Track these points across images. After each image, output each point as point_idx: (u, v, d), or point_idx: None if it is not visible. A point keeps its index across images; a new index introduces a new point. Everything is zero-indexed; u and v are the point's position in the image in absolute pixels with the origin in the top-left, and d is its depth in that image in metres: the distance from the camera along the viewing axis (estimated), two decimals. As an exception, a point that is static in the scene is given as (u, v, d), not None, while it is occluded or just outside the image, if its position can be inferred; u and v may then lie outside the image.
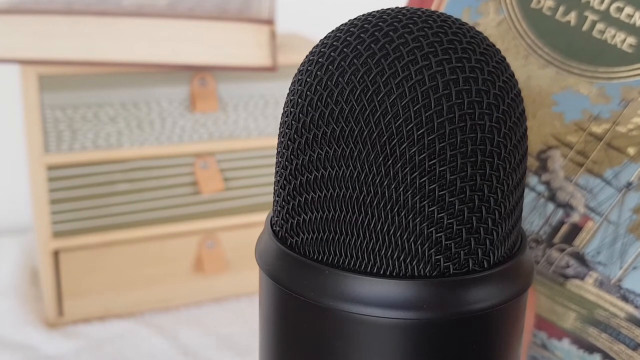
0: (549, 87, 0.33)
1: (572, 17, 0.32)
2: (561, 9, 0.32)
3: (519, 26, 0.33)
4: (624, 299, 0.31)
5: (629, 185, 0.31)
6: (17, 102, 0.65)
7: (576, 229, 0.33)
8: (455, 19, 0.24)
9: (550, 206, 0.33)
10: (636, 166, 0.31)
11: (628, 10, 0.31)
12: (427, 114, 0.22)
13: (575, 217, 0.33)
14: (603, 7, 0.31)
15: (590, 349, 0.33)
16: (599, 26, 0.31)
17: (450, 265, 0.23)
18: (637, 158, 0.31)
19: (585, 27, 0.32)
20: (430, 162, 0.22)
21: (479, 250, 0.23)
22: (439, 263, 0.23)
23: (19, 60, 0.51)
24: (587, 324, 0.33)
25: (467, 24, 0.25)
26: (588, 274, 0.32)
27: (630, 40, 0.31)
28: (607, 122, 0.31)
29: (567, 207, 0.33)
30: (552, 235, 0.33)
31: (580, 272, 0.32)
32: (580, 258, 0.32)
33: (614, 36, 0.31)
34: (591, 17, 0.31)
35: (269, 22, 0.52)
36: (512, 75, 0.24)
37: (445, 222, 0.22)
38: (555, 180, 0.33)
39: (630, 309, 0.31)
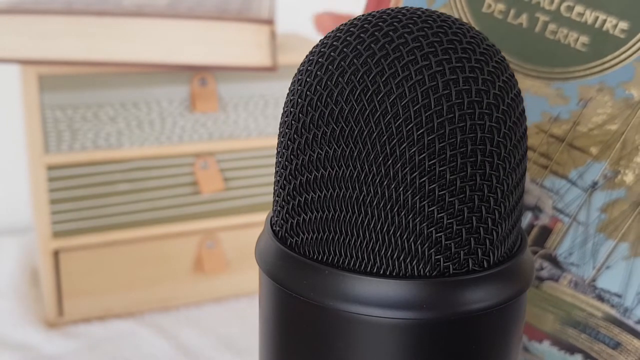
0: None
1: (523, 19, 0.32)
2: (512, 12, 0.32)
3: None
4: (600, 298, 0.31)
5: (594, 185, 0.31)
6: (17, 102, 0.65)
7: (546, 231, 0.33)
8: (455, 19, 0.24)
9: None
10: (600, 165, 0.31)
11: (578, 8, 0.30)
12: (427, 114, 0.22)
13: (544, 220, 0.32)
14: (553, 7, 0.31)
15: (571, 349, 0.33)
16: (551, 27, 0.31)
17: (450, 265, 0.23)
18: (600, 157, 0.31)
19: (537, 29, 0.31)
20: (430, 162, 0.22)
21: (479, 250, 0.23)
22: (438, 263, 0.23)
23: (19, 60, 0.51)
24: (565, 325, 0.33)
25: (467, 24, 0.25)
26: (562, 276, 0.32)
27: (583, 39, 0.30)
28: (567, 122, 0.31)
29: (536, 210, 0.33)
30: None
31: (554, 274, 0.32)
32: (553, 260, 0.32)
33: (566, 36, 0.31)
34: (542, 18, 0.31)
35: (269, 22, 0.52)
36: (512, 75, 0.24)
37: (445, 222, 0.22)
38: None
39: (606, 308, 0.31)
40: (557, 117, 0.32)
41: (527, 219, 0.33)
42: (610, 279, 0.31)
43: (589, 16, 0.30)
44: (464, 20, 0.33)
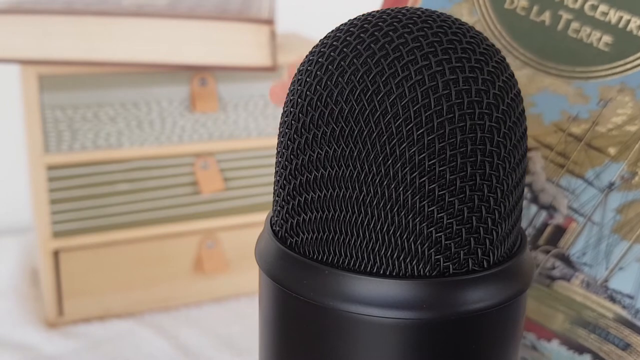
0: (526, 89, 0.32)
1: (546, 16, 0.32)
2: (535, 8, 0.32)
3: (494, 27, 0.33)
4: (611, 299, 0.31)
5: (611, 186, 0.31)
6: (17, 102, 0.65)
7: (560, 231, 0.32)
8: (455, 18, 0.24)
9: (534, 208, 0.33)
10: (618, 166, 0.31)
11: (602, 8, 0.30)
12: (426, 114, 0.22)
13: (558, 219, 0.32)
14: (577, 5, 0.31)
15: (580, 349, 0.32)
16: (574, 25, 0.31)
17: (450, 265, 0.23)
18: (618, 158, 0.31)
19: (560, 27, 0.31)
20: (429, 162, 0.22)
21: (479, 250, 0.23)
22: (438, 263, 0.23)
23: (19, 60, 0.51)
24: (575, 325, 0.32)
25: (466, 23, 0.25)
26: (574, 275, 0.32)
27: (606, 38, 0.30)
28: (586, 122, 0.31)
29: (551, 209, 0.33)
30: (537, 237, 0.33)
31: (566, 274, 0.32)
32: (565, 259, 0.32)
33: (589, 35, 0.31)
34: (565, 16, 0.31)
35: (269, 22, 0.52)
36: (512, 75, 0.24)
37: (444, 222, 0.22)
38: (537, 182, 0.33)
39: (617, 309, 0.31)
40: (576, 116, 0.31)
41: (541, 217, 0.33)
42: (623, 280, 0.31)
43: (613, 16, 0.30)
44: (486, 16, 0.33)
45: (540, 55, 0.32)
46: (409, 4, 0.36)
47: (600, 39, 0.30)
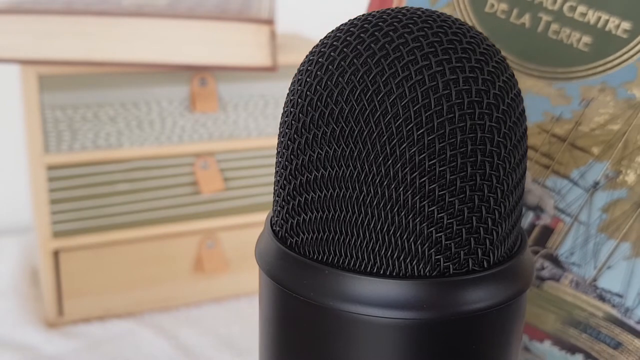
0: None
1: (526, 19, 0.32)
2: (515, 11, 0.32)
3: None
4: (601, 298, 0.31)
5: (596, 185, 0.31)
6: (17, 102, 0.65)
7: (548, 231, 0.33)
8: (455, 19, 0.24)
9: None
10: (602, 165, 0.31)
11: (581, 8, 0.30)
12: (427, 114, 0.22)
13: (546, 219, 0.33)
14: (556, 7, 0.31)
15: (572, 349, 0.33)
16: (554, 27, 0.31)
17: (450, 265, 0.23)
18: (602, 157, 0.31)
19: (540, 29, 0.31)
20: (430, 162, 0.22)
21: (479, 250, 0.23)
22: (439, 263, 0.23)
23: (19, 60, 0.51)
24: (567, 325, 0.33)
25: (467, 24, 0.25)
26: (563, 275, 0.32)
27: (586, 39, 0.31)
28: (569, 122, 0.31)
29: (537, 210, 0.33)
30: None
31: (555, 274, 0.32)
32: (554, 260, 0.32)
33: (569, 36, 0.31)
34: (545, 18, 0.31)
35: (269, 22, 0.52)
36: (512, 75, 0.24)
37: (445, 222, 0.22)
38: None
39: (607, 308, 0.31)
40: (559, 117, 0.32)
41: (528, 218, 0.33)
42: (612, 279, 0.31)
43: (592, 16, 0.30)
44: (467, 20, 0.33)
45: (522, 58, 0.32)
46: (394, 5, 0.36)
47: (580, 39, 0.31)
